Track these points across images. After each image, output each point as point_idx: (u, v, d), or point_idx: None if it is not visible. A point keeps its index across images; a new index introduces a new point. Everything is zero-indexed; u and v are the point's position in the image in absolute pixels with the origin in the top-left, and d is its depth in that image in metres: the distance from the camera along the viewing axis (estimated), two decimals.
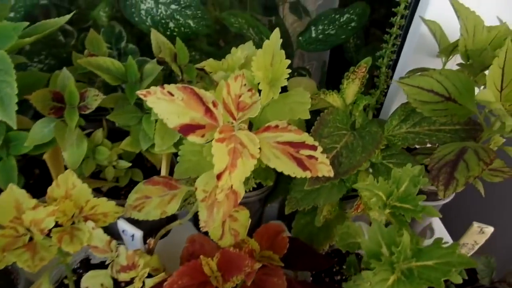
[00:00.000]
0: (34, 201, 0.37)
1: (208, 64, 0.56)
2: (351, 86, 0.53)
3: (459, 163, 0.41)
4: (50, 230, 0.38)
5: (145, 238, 0.45)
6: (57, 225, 0.39)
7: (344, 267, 0.50)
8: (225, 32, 0.84)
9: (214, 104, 0.37)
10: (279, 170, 0.36)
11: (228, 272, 0.39)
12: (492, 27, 0.49)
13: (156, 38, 0.49)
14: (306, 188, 0.42)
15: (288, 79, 0.51)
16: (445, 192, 0.40)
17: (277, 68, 0.52)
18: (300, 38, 0.80)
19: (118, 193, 0.55)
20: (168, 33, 0.64)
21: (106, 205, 0.41)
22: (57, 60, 0.67)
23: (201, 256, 0.40)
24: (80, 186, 0.40)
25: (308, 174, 0.37)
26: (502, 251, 0.78)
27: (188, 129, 0.35)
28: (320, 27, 0.79)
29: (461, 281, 0.32)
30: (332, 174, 0.38)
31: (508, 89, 0.41)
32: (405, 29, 0.65)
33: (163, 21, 0.62)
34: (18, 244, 0.37)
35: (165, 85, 0.34)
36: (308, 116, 0.47)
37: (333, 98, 0.52)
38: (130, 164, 0.49)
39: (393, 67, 0.69)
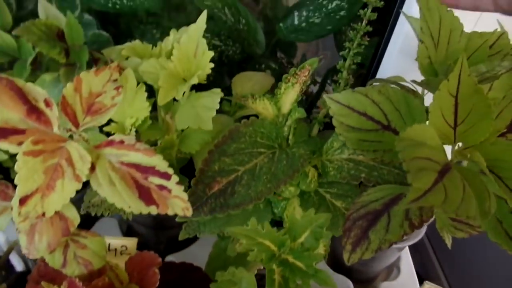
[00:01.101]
0: None
1: (131, 47, 0.47)
2: (290, 92, 0.42)
3: (382, 217, 0.30)
4: None
5: None
6: None
7: None
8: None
9: (47, 104, 0.28)
10: (110, 201, 0.27)
11: None
12: (479, 34, 0.35)
13: (44, 6, 0.41)
14: (177, 220, 0.33)
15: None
16: (351, 254, 0.29)
17: (200, 60, 0.42)
18: (281, 24, 0.69)
19: None
20: (110, 5, 0.56)
21: None
22: None
23: (43, 283, 0.33)
24: None
25: (153, 210, 0.28)
26: None
27: None
28: (304, 14, 0.67)
29: None
30: (189, 214, 0.28)
31: (466, 126, 0.28)
32: (391, 26, 0.52)
33: None
34: None
35: None
36: (210, 127, 0.38)
37: (263, 105, 0.42)
38: (5, 157, 0.43)
39: (373, 72, 0.56)
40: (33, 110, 0.28)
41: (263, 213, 0.44)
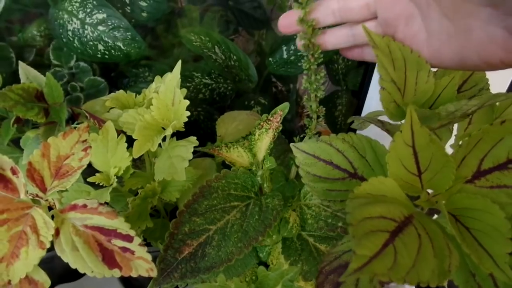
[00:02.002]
0: None
1: (116, 97, 0.49)
2: (264, 138, 0.42)
3: None
4: None
5: None
6: None
7: None
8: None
9: (14, 172, 0.29)
10: (73, 266, 0.28)
11: None
12: (448, 72, 0.35)
13: (25, 70, 0.43)
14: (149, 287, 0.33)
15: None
16: None
17: (177, 108, 0.43)
18: (270, 59, 0.70)
19: None
20: (98, 55, 0.58)
21: None
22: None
23: None
24: None
25: (116, 273, 0.28)
26: None
27: None
28: (292, 47, 0.67)
29: None
30: (154, 274, 0.28)
31: (431, 173, 0.28)
32: None
33: (90, 43, 0.56)
34: None
35: None
36: (183, 177, 0.38)
37: (238, 153, 0.42)
38: None
39: (360, 103, 0.56)
40: (0, 178, 0.29)
41: (248, 258, 0.43)
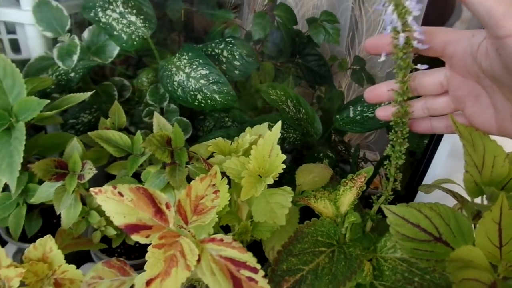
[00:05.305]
0: (8, 261, 0.42)
1: (215, 143, 0.57)
2: (348, 194, 0.49)
3: None
4: None
5: None
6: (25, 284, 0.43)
7: None
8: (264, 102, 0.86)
9: (167, 206, 0.38)
10: (211, 287, 0.35)
11: None
12: None
13: (158, 120, 0.52)
14: None
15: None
16: None
17: (274, 161, 0.51)
18: (337, 116, 0.78)
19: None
20: (196, 103, 0.68)
21: (74, 273, 0.44)
22: (104, 112, 0.76)
23: None
24: (56, 251, 0.44)
25: None
26: None
27: (132, 228, 0.36)
28: (359, 108, 0.75)
29: None
30: None
31: (510, 247, 0.33)
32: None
33: (192, 93, 0.67)
34: None
35: (118, 185, 0.36)
36: (283, 222, 0.45)
37: (324, 205, 0.49)
38: (114, 232, 0.53)
39: (423, 169, 0.62)
40: (158, 211, 0.37)
41: None
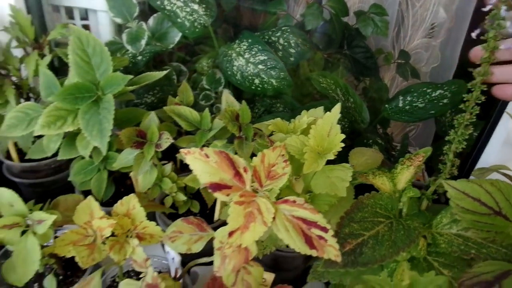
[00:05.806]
0: (102, 213, 0.48)
1: (274, 123, 0.61)
2: (405, 173, 0.51)
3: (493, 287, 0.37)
4: (108, 238, 0.48)
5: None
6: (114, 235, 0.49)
7: None
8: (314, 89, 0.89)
9: (245, 170, 0.42)
10: (286, 242, 0.39)
11: None
12: None
13: (226, 97, 0.57)
14: (319, 269, 0.43)
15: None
16: None
17: (333, 139, 0.54)
18: (386, 105, 0.80)
19: None
20: (253, 87, 0.72)
21: (154, 229, 0.50)
22: (165, 94, 0.82)
23: None
24: (138, 209, 0.50)
25: (314, 253, 0.38)
26: None
27: (216, 187, 0.40)
28: (409, 98, 0.77)
29: None
30: (339, 259, 0.38)
31: None
32: (494, 119, 0.60)
33: (250, 77, 0.71)
34: (84, 242, 0.48)
35: (204, 148, 0.41)
36: (344, 194, 0.48)
37: (382, 181, 0.52)
38: (185, 198, 0.58)
39: (474, 157, 0.63)
40: (236, 173, 0.42)
41: (375, 271, 0.52)
